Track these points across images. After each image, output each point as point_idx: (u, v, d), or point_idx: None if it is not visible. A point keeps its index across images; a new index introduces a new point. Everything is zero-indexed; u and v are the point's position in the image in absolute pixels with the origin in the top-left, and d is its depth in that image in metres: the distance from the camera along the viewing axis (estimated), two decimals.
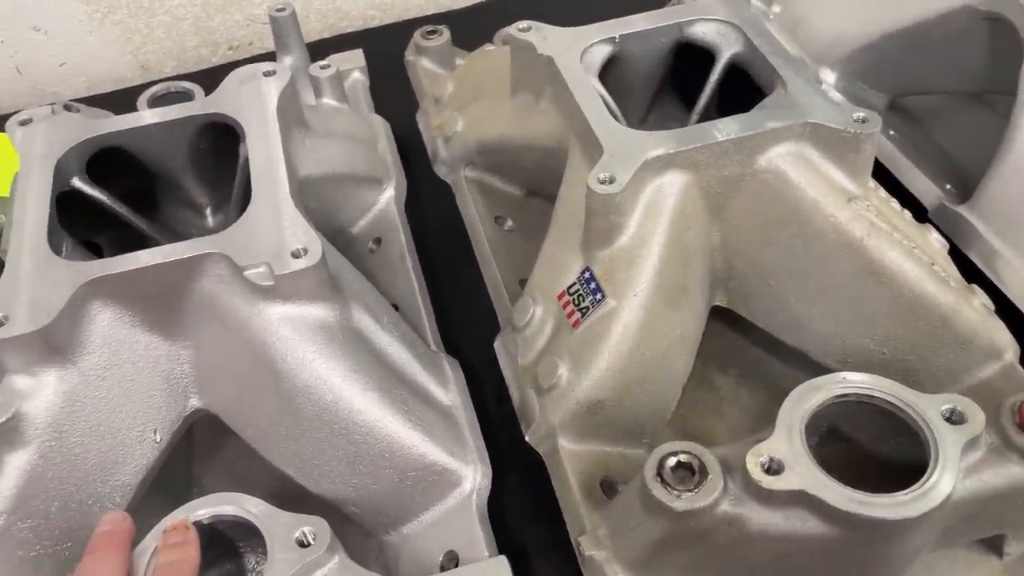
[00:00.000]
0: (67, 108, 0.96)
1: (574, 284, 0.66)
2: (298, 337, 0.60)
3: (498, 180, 0.87)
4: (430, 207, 0.91)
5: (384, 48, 1.11)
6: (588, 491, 0.63)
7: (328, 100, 0.86)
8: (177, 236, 0.79)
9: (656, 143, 0.64)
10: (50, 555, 0.60)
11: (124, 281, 0.59)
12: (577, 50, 0.74)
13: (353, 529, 0.64)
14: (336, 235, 0.84)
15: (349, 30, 1.21)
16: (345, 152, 0.79)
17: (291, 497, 0.64)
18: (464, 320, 0.82)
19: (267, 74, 0.73)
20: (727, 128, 0.65)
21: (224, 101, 0.71)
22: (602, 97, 0.70)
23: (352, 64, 0.98)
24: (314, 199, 0.75)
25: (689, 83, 0.80)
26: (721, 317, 0.73)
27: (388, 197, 0.84)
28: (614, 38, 0.75)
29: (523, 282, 0.79)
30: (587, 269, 0.66)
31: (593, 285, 0.65)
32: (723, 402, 0.75)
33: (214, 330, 0.62)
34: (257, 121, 0.69)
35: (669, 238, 0.65)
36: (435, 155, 0.90)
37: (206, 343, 0.63)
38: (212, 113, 0.70)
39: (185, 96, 0.99)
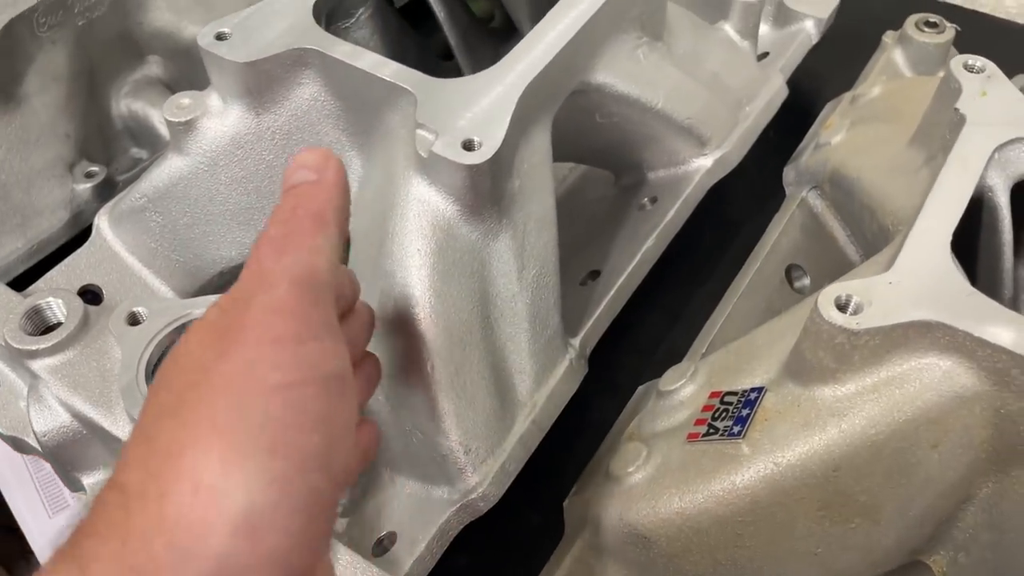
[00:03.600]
0: None
1: (735, 394, 0.47)
2: (416, 225, 0.51)
3: (840, 227, 0.65)
4: (738, 200, 0.73)
5: (876, 5, 0.90)
6: None
7: (729, 29, 0.70)
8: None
9: (972, 309, 0.41)
10: (163, 256, 0.62)
11: (330, 67, 0.55)
12: (1009, 130, 0.49)
13: None
14: (624, 169, 0.71)
15: None
16: (684, 92, 0.64)
17: None
18: (655, 336, 0.66)
19: None
20: None
21: None
22: (989, 215, 0.46)
23: (813, 10, 0.78)
24: (604, 113, 0.63)
25: None
26: None
27: (701, 166, 0.67)
28: None
29: None
30: (760, 389, 0.46)
31: (746, 412, 0.45)
32: None
33: (380, 166, 0.56)
34: None
35: (894, 440, 0.42)
36: (798, 153, 0.70)
37: (373, 173, 0.58)
38: None
39: None
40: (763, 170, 0.75)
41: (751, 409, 0.45)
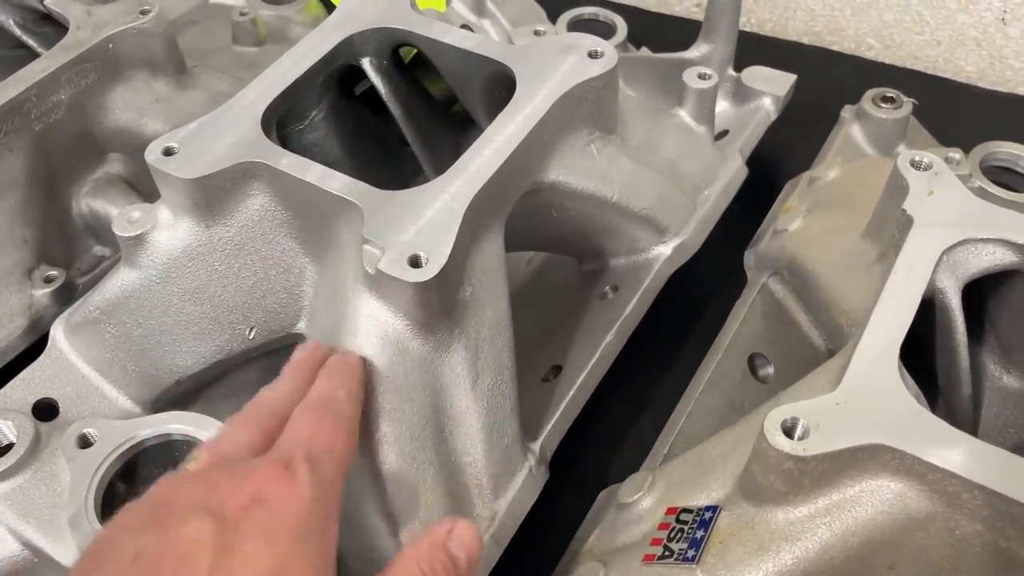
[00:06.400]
0: None
1: (690, 512, 0.46)
2: (366, 340, 0.51)
3: (802, 312, 0.65)
4: (702, 278, 0.73)
5: (836, 75, 0.92)
6: None
7: (684, 115, 0.70)
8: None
9: (921, 430, 0.40)
10: (120, 366, 0.61)
11: (278, 179, 0.55)
12: (957, 232, 0.48)
13: None
14: (586, 256, 0.71)
15: (833, 47, 0.98)
16: (639, 183, 0.64)
17: None
18: (621, 427, 0.66)
19: (592, 55, 0.60)
20: None
21: (528, 60, 0.60)
22: (943, 316, 0.46)
23: (771, 88, 0.78)
24: (559, 208, 0.63)
25: None
26: None
27: (661, 254, 0.67)
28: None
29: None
30: (715, 508, 0.45)
31: (701, 534, 0.45)
32: None
33: (332, 275, 0.56)
34: (533, 94, 0.58)
35: (849, 563, 0.41)
36: (757, 238, 0.70)
37: (326, 280, 0.57)
38: (498, 63, 0.60)
39: (609, 29, 0.91)
40: (727, 246, 0.75)
41: (705, 531, 0.44)
